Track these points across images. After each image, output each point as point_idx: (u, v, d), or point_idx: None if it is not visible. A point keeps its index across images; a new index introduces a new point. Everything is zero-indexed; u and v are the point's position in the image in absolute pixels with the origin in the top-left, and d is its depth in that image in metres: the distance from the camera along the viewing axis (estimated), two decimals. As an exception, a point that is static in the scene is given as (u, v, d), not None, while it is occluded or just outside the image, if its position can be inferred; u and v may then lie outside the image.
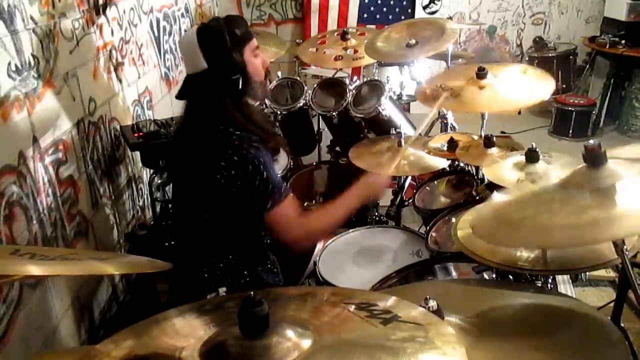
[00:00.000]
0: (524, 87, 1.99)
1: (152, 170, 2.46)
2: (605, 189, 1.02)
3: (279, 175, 1.63)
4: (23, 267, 0.90)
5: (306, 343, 0.83)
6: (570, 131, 4.53)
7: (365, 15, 4.98)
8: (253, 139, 1.59)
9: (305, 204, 2.48)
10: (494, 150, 1.92)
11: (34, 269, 0.89)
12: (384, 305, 0.94)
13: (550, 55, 4.38)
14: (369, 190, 1.80)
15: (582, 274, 2.45)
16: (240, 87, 1.59)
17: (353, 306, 0.94)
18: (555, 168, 1.53)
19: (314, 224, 1.68)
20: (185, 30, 3.77)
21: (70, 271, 1.27)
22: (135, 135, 2.28)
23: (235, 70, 1.58)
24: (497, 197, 1.30)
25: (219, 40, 1.57)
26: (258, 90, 1.68)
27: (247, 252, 1.69)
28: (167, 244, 2.12)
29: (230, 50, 1.57)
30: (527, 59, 4.62)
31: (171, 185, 1.90)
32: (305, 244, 1.77)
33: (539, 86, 1.97)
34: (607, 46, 4.42)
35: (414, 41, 2.57)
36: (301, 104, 2.72)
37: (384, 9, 4.99)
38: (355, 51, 2.97)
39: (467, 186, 2.12)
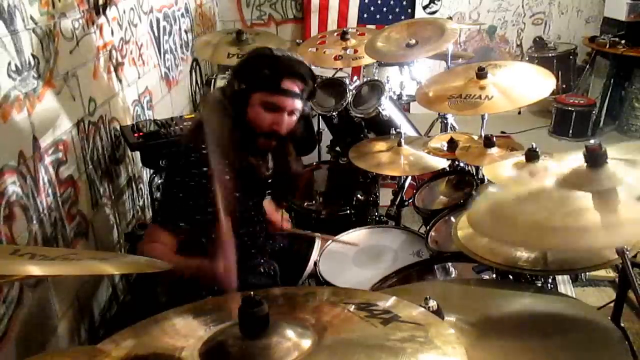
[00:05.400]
0: (525, 83, 1.99)
1: (152, 170, 2.46)
2: (606, 191, 1.01)
3: (202, 214, 1.49)
4: (23, 267, 0.89)
5: (306, 343, 0.83)
6: (570, 131, 4.52)
7: (365, 15, 4.98)
8: (216, 162, 1.45)
9: (306, 204, 2.48)
10: (494, 150, 1.92)
11: (34, 269, 0.89)
12: (384, 305, 0.94)
13: (550, 55, 4.38)
14: (200, 273, 1.50)
15: (582, 274, 2.45)
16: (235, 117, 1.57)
17: (353, 306, 0.94)
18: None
19: (148, 251, 1.53)
20: (185, 31, 3.77)
21: (70, 271, 1.27)
22: (135, 135, 2.28)
23: (234, 103, 1.57)
24: (493, 190, 1.28)
25: (245, 69, 1.59)
26: (249, 138, 1.59)
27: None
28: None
29: (239, 82, 1.57)
30: (527, 59, 4.61)
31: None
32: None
33: (539, 83, 1.97)
34: (607, 46, 4.41)
35: (414, 41, 2.58)
36: (301, 104, 2.72)
37: (384, 9, 4.99)
38: (355, 51, 2.97)
39: (467, 186, 2.11)
